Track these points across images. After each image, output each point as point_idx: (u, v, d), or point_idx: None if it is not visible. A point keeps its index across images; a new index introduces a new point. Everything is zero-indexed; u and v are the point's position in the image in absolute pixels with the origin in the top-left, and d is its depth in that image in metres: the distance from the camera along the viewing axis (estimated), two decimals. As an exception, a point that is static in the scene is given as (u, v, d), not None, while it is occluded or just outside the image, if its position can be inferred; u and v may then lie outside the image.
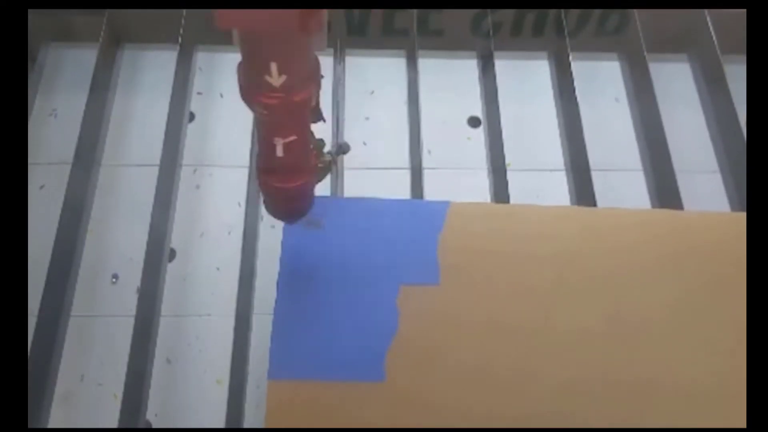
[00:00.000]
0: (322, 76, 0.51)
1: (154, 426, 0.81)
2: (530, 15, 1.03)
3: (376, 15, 1.01)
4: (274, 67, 0.46)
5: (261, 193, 0.62)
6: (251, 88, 0.48)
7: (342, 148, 0.62)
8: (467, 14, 1.02)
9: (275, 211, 0.65)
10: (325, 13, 0.43)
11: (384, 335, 0.67)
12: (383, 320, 0.68)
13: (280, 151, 0.54)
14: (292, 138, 0.53)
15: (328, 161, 0.62)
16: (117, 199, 0.94)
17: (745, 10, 0.96)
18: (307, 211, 0.66)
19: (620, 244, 0.73)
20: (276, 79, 0.46)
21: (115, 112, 1.01)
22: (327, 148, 0.62)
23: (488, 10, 1.01)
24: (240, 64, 0.48)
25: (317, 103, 0.54)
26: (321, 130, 0.57)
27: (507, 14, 1.02)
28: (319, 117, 0.56)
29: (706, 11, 1.01)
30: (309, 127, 0.56)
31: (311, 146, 0.58)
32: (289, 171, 0.58)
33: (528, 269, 0.71)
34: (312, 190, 0.64)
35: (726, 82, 0.99)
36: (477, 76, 1.07)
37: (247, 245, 0.87)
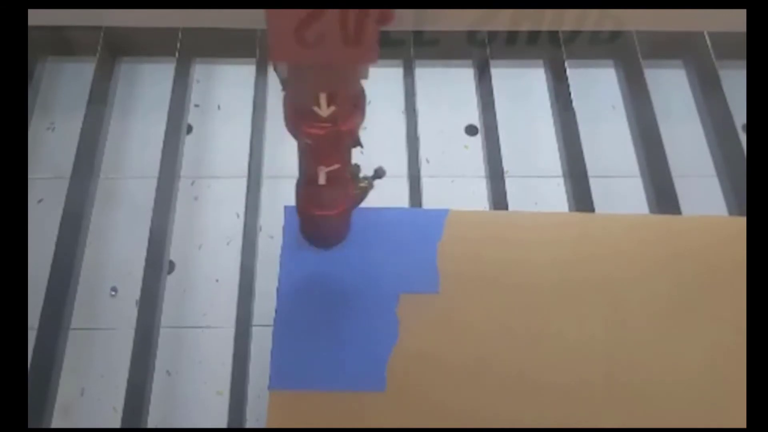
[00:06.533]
0: (368, 102, 0.50)
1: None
2: (525, 23, 1.03)
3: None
4: (323, 98, 0.45)
5: (300, 221, 0.62)
6: (298, 119, 0.48)
7: (378, 173, 0.62)
8: (463, 24, 1.02)
9: (313, 238, 0.65)
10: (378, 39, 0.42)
11: (384, 344, 0.67)
12: (383, 329, 0.68)
13: (322, 179, 0.53)
14: (335, 166, 0.53)
15: (364, 187, 0.62)
16: (115, 211, 0.94)
17: (741, 16, 0.96)
18: (344, 237, 0.66)
19: (619, 250, 0.73)
20: (324, 109, 0.46)
21: (112, 125, 1.01)
22: (363, 173, 0.62)
23: (484, 22, 1.02)
24: (286, 94, 0.48)
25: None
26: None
27: (502, 23, 1.02)
28: (357, 143, 0.55)
29: (700, 15, 1.02)
30: (350, 155, 0.55)
31: (350, 173, 0.58)
32: (330, 199, 0.58)
33: (527, 276, 0.71)
34: (350, 216, 0.64)
35: (722, 87, 0.99)
36: (473, 85, 1.07)
37: (245, 256, 0.87)
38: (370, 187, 0.62)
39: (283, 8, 0.38)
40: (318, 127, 0.48)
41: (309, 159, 0.53)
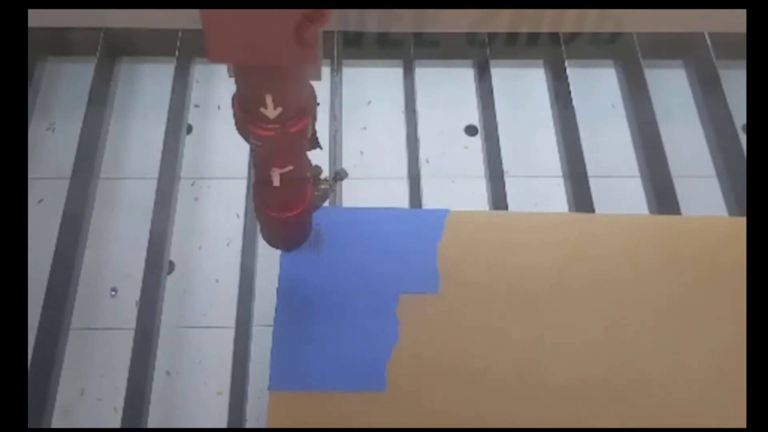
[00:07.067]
0: (317, 104, 0.50)
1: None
2: (525, 24, 1.03)
3: (372, 25, 1.01)
4: (269, 99, 0.45)
5: (258, 223, 0.61)
6: (246, 120, 0.47)
7: (339, 175, 0.62)
8: (463, 25, 1.02)
9: (273, 240, 0.64)
10: (320, 40, 0.41)
11: (384, 345, 0.67)
12: (383, 330, 0.68)
13: (276, 181, 0.53)
14: (288, 168, 0.52)
15: (325, 189, 0.62)
16: (115, 212, 0.94)
17: (741, 16, 0.96)
18: (305, 240, 0.66)
19: (619, 250, 0.73)
20: (271, 111, 0.46)
21: (112, 126, 1.01)
22: (324, 175, 0.62)
23: (483, 23, 1.02)
24: (234, 95, 0.47)
25: (314, 132, 0.53)
26: (322, 140, 0.57)
27: (502, 24, 1.02)
28: (315, 145, 0.55)
29: (700, 16, 1.02)
30: (306, 157, 0.55)
31: (308, 174, 0.58)
32: (286, 200, 0.57)
33: (527, 276, 0.71)
34: (309, 218, 0.64)
35: (722, 87, 0.99)
36: (474, 85, 1.07)
37: (245, 256, 0.86)
38: (331, 189, 0.62)
39: (221, 8, 0.37)
40: (266, 128, 0.47)
41: (261, 160, 0.52)
